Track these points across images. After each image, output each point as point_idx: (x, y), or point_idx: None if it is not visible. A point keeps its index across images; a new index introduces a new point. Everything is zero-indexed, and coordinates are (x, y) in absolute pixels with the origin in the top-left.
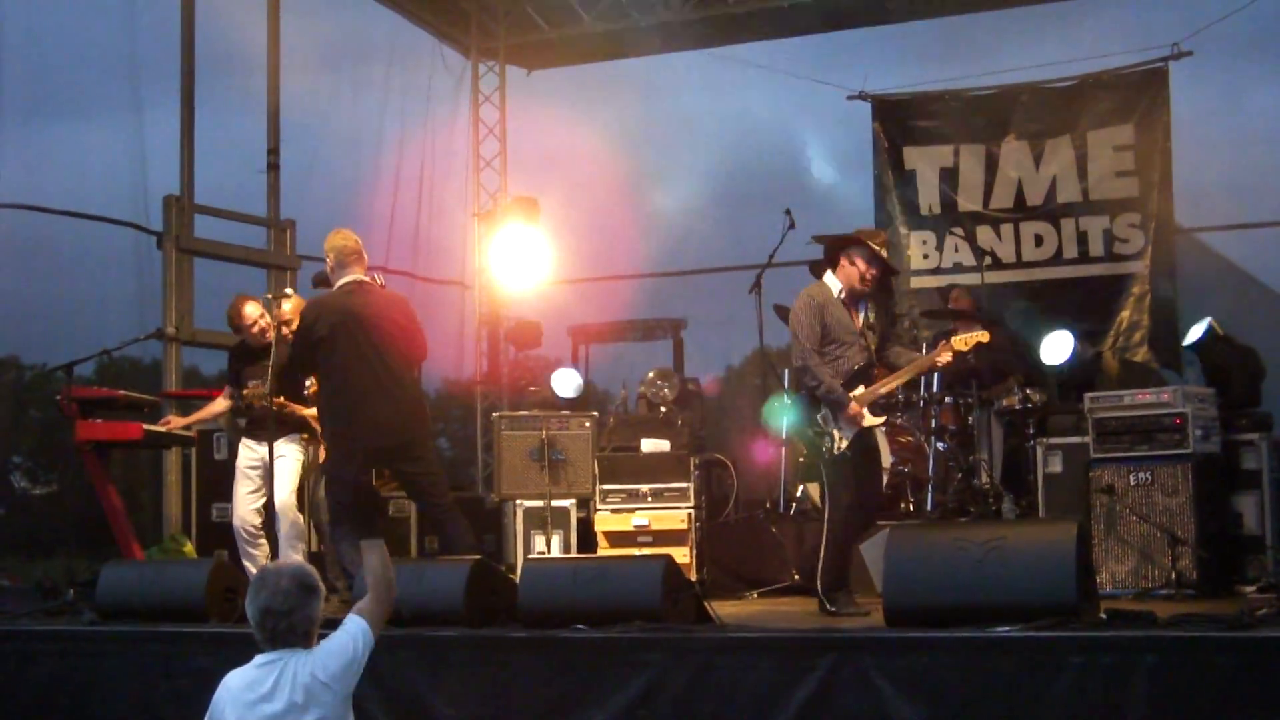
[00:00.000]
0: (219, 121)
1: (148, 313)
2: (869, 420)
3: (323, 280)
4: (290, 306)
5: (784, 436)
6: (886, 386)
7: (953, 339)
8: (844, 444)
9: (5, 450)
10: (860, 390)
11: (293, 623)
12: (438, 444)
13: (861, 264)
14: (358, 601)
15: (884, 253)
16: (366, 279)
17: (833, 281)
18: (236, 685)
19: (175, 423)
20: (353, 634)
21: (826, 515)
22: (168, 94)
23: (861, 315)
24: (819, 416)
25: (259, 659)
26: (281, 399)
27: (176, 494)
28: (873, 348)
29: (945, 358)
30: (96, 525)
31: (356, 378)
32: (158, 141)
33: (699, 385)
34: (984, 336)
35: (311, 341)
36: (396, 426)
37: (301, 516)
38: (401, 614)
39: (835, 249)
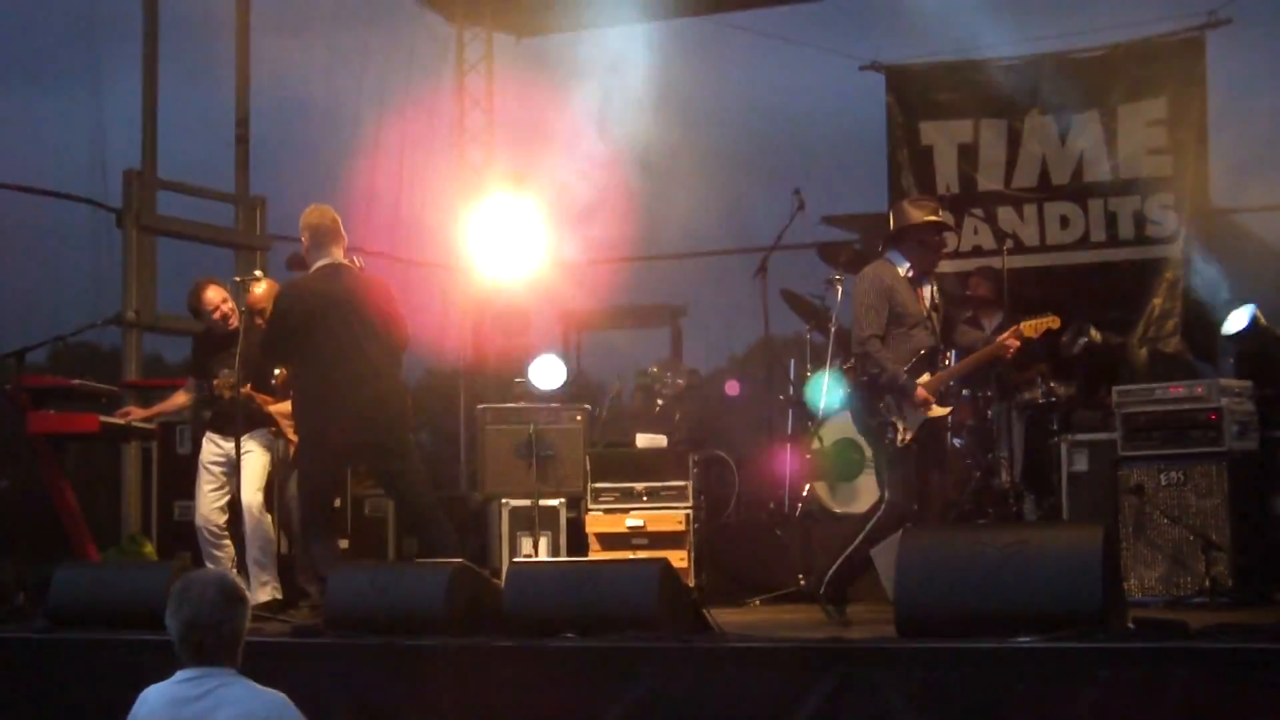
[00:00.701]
0: (184, 90)
1: (106, 296)
2: (936, 410)
3: (297, 262)
4: (262, 291)
5: (821, 415)
6: (955, 372)
7: (1022, 324)
8: (908, 435)
9: None
10: (926, 376)
11: (221, 635)
12: (419, 439)
13: (934, 240)
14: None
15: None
16: (345, 261)
17: (898, 259)
18: (158, 701)
19: (135, 414)
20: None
21: (877, 517)
22: (128, 60)
23: (927, 294)
24: (881, 405)
25: (182, 675)
26: (249, 389)
27: (136, 491)
28: (938, 330)
29: (1014, 344)
30: (49, 525)
31: (334, 369)
32: (117, 111)
33: (699, 378)
34: (1054, 322)
35: (287, 329)
36: (376, 421)
37: (269, 517)
38: (378, 621)
39: (903, 226)
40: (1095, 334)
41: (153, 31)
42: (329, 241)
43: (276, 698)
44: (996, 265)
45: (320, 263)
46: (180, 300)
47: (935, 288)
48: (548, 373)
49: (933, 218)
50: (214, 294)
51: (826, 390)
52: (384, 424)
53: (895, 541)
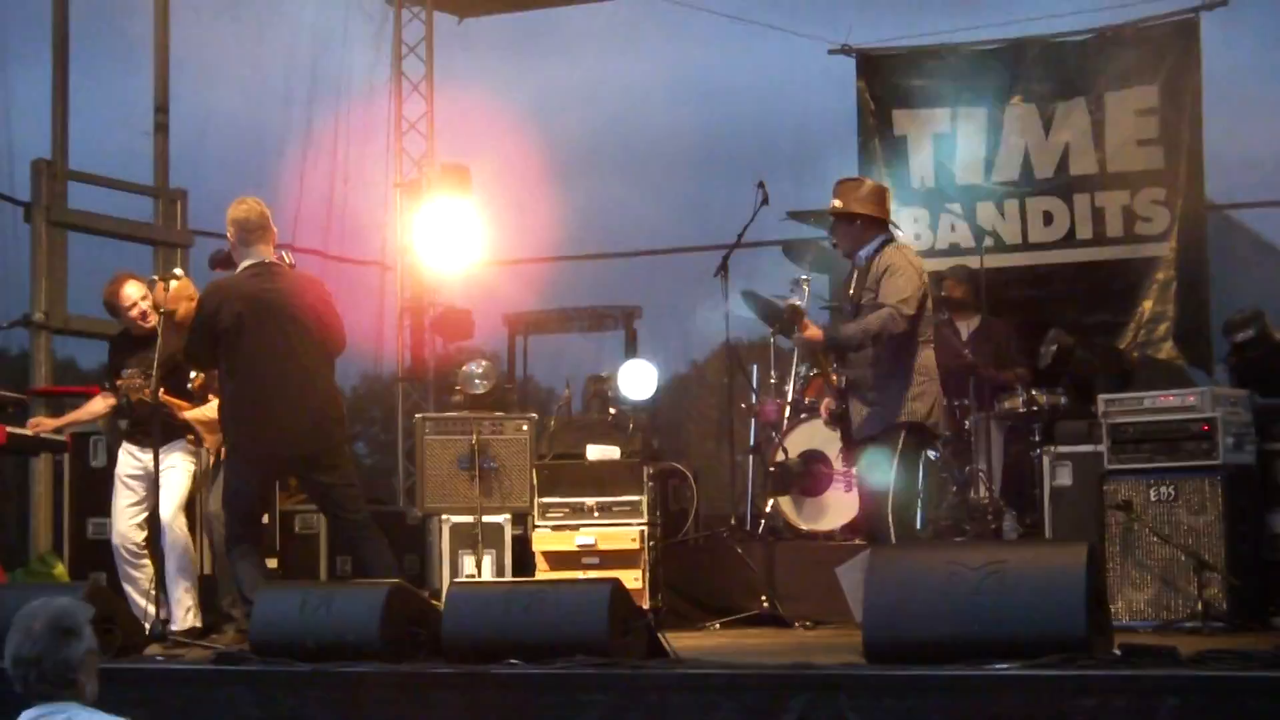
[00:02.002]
0: (97, 74)
1: (12, 296)
2: None
3: (222, 260)
4: (176, 288)
5: None
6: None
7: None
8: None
9: None
10: None
11: (43, 671)
12: (353, 450)
13: None
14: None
15: None
16: (275, 259)
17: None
18: None
19: (45, 424)
20: None
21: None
22: (36, 41)
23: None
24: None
25: (26, 715)
26: (162, 393)
27: (46, 507)
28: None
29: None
30: None
31: (264, 375)
32: (24, 97)
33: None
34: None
35: (213, 333)
36: (309, 431)
37: (191, 537)
38: (307, 647)
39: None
40: (1064, 337)
41: (63, 10)
42: (258, 238)
43: None
44: (974, 264)
45: (248, 261)
46: (93, 301)
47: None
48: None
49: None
50: (133, 289)
51: None
52: (317, 434)
53: (864, 560)
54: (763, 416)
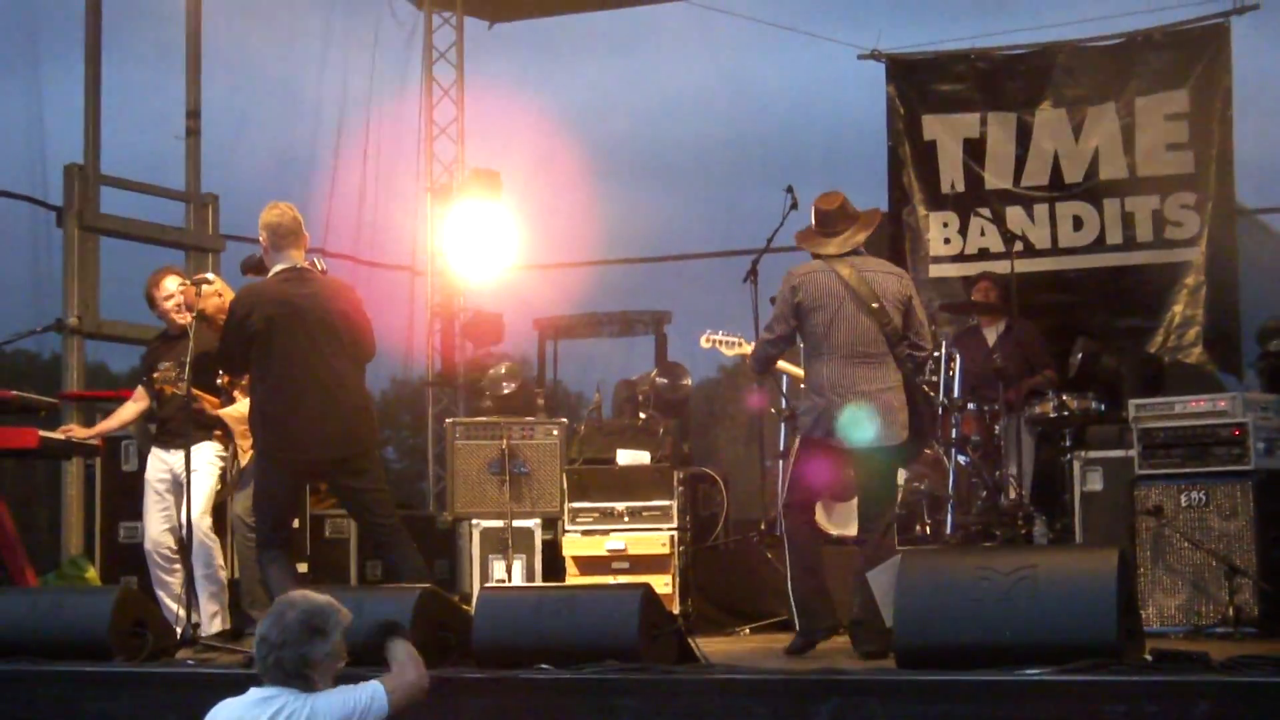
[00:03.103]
0: (130, 79)
1: (45, 301)
2: None
3: (254, 266)
4: (208, 289)
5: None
6: None
7: None
8: None
9: None
10: None
11: (280, 658)
12: (383, 455)
13: None
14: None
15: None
16: (306, 264)
17: None
18: (226, 716)
19: (77, 434)
20: (362, 693)
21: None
22: (70, 46)
23: None
24: None
25: (254, 692)
26: (194, 390)
27: (78, 511)
28: None
29: None
30: None
31: (294, 380)
32: (57, 101)
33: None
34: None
35: (245, 337)
36: (339, 436)
37: (218, 540)
38: None
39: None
40: (1090, 344)
41: (96, 16)
42: (289, 243)
43: (354, 693)
44: (1003, 269)
45: (280, 266)
46: (126, 305)
47: None
48: None
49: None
50: (172, 282)
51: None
52: (347, 439)
53: (895, 564)
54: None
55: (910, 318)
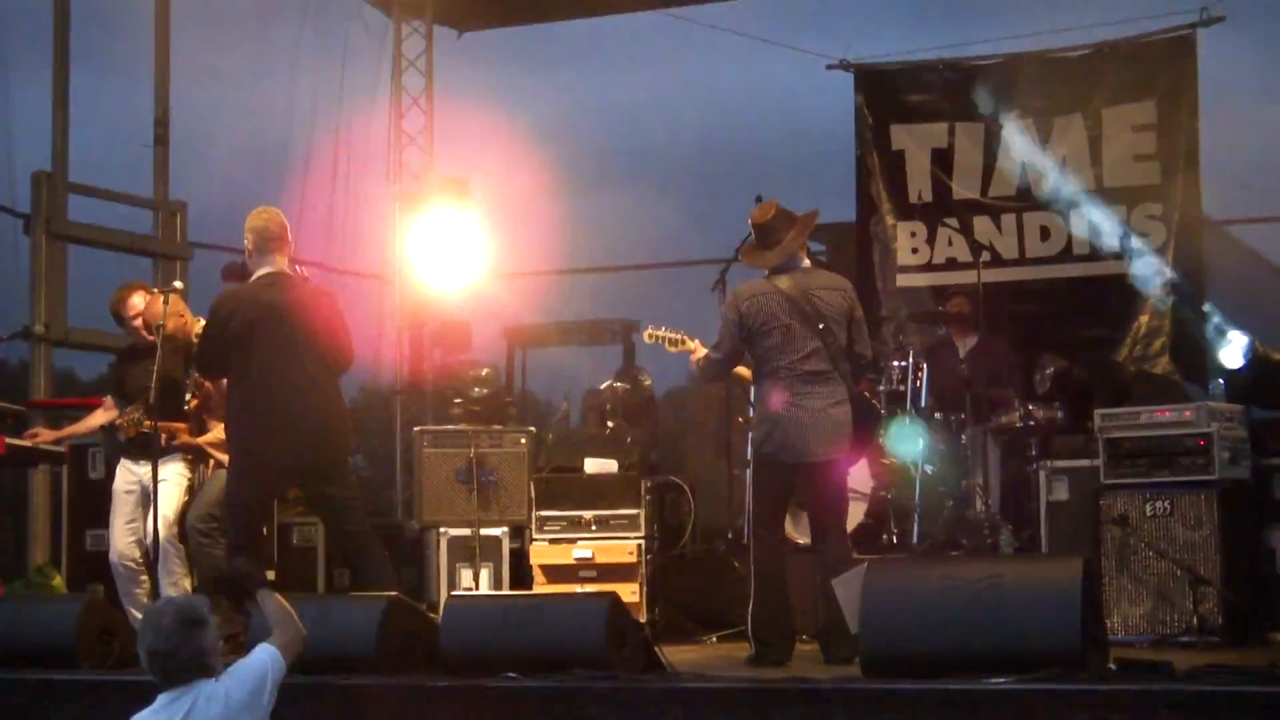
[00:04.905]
0: (98, 87)
1: (12, 308)
2: None
3: (235, 272)
4: (171, 311)
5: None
6: None
7: None
8: None
9: None
10: None
11: (180, 661)
12: (354, 462)
13: None
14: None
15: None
16: (290, 271)
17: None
18: None
19: (44, 436)
20: (261, 659)
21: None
22: (37, 53)
23: None
24: None
25: (162, 698)
26: (160, 422)
27: (44, 519)
28: None
29: None
30: None
31: (273, 384)
32: (25, 109)
33: (655, 401)
34: None
35: (225, 341)
36: (315, 442)
37: (183, 548)
38: (305, 659)
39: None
40: (1059, 362)
41: (63, 22)
42: (274, 248)
43: (254, 662)
44: (971, 278)
45: (263, 270)
46: (93, 313)
47: None
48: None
49: None
50: (140, 299)
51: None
52: (323, 445)
53: (860, 573)
54: None
55: (854, 330)
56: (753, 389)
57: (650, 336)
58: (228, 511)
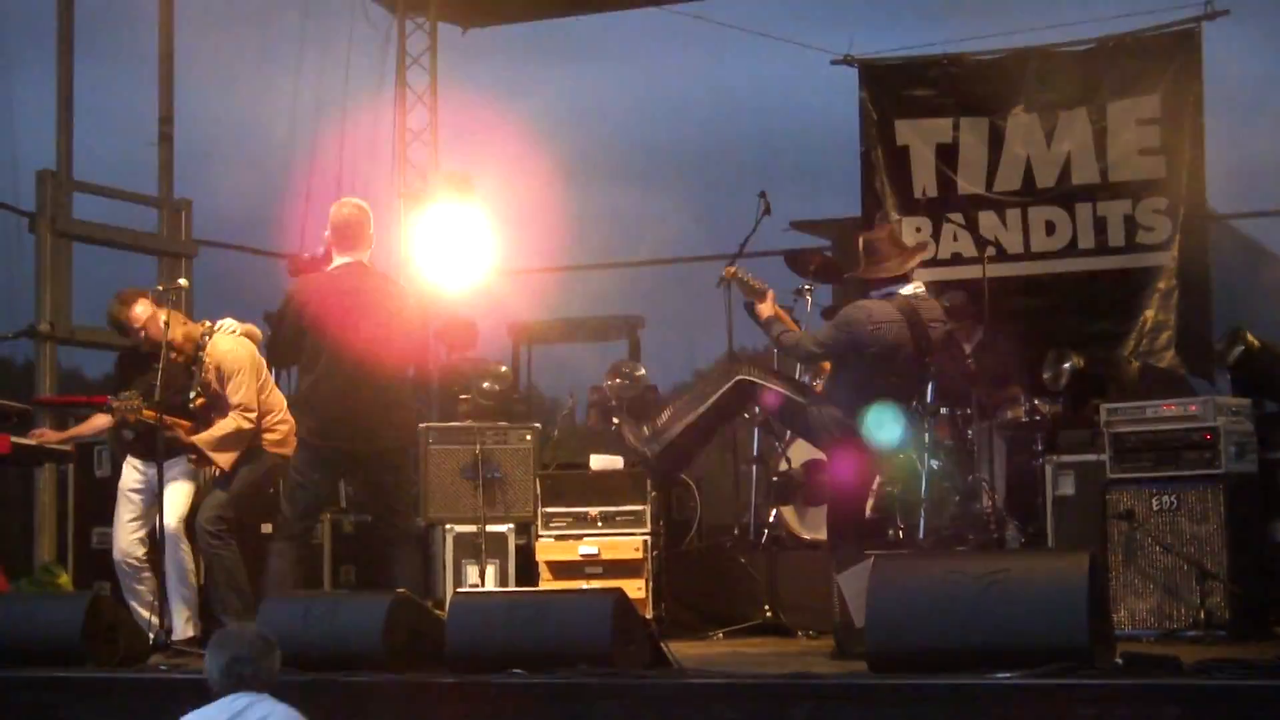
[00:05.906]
0: (103, 85)
1: (18, 306)
2: None
3: (305, 265)
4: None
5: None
6: None
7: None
8: None
9: None
10: None
11: (258, 669)
12: None
13: None
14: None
15: None
16: (367, 262)
17: None
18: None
19: (50, 437)
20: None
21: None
22: (41, 51)
23: None
24: None
25: (225, 700)
26: (162, 416)
27: (50, 517)
28: None
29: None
30: None
31: (342, 372)
32: (29, 107)
33: (657, 392)
34: None
35: (299, 327)
36: (381, 429)
37: (190, 546)
38: (311, 656)
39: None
40: (1078, 359)
41: (67, 20)
42: (354, 241)
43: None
44: (976, 274)
45: (342, 259)
46: (98, 311)
47: None
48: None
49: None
50: (144, 309)
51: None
52: (388, 433)
53: (866, 568)
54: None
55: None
56: (829, 376)
57: (730, 274)
58: (288, 495)
